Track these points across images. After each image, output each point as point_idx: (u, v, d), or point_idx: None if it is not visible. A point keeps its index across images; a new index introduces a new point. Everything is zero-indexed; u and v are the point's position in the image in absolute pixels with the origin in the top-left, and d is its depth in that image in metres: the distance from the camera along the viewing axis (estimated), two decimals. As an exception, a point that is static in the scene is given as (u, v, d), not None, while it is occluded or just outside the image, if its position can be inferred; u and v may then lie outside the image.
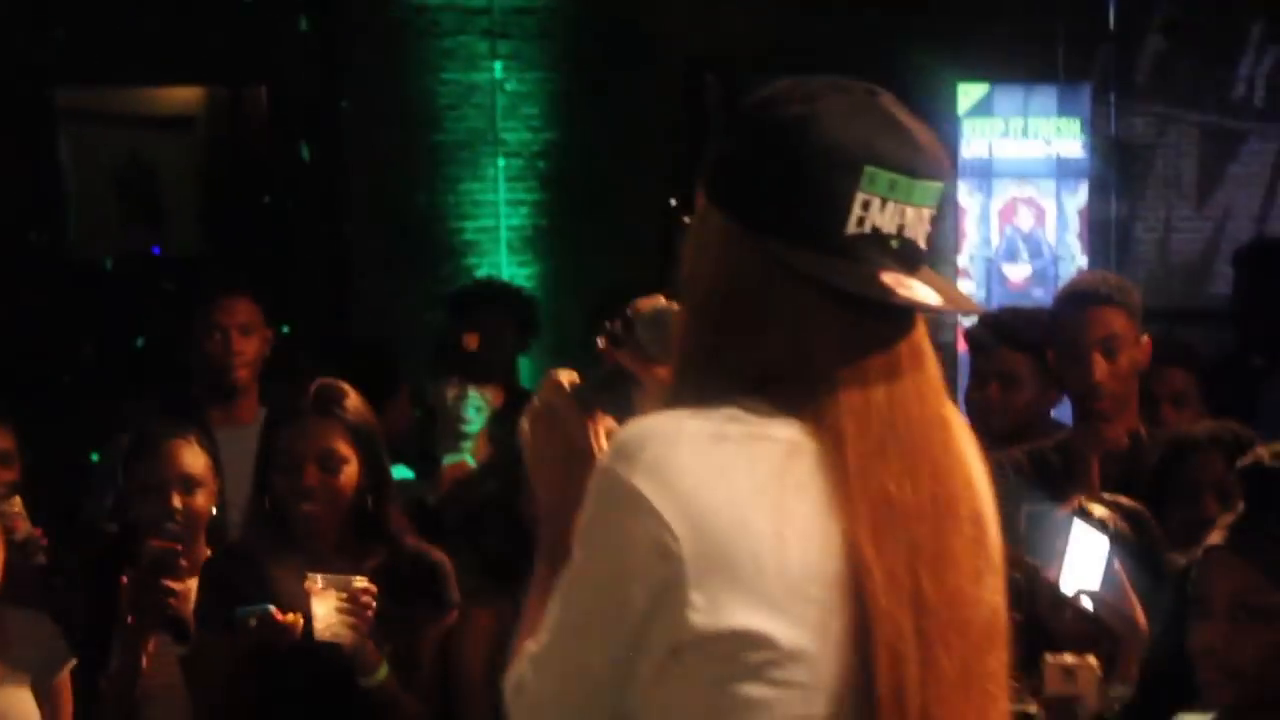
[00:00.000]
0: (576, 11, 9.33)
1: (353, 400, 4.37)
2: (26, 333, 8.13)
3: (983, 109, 9.18)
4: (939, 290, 2.07)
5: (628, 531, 2.00)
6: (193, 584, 4.40)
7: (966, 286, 9.25)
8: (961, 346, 8.65)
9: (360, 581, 4.10)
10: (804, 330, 2.06)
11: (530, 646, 2.13)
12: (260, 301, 5.70)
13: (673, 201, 2.24)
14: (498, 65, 9.22)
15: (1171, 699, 3.23)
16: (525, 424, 2.38)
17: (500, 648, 4.21)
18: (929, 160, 2.08)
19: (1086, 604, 3.78)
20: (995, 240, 9.22)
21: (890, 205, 2.05)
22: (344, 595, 4.07)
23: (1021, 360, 5.25)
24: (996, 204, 9.20)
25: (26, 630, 4.52)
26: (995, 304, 8.52)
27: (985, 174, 9.21)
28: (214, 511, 4.70)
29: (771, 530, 1.98)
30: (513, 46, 9.24)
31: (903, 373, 2.08)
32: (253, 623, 4.08)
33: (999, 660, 2.12)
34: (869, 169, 2.04)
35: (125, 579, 4.33)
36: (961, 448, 2.13)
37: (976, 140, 9.18)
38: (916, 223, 2.07)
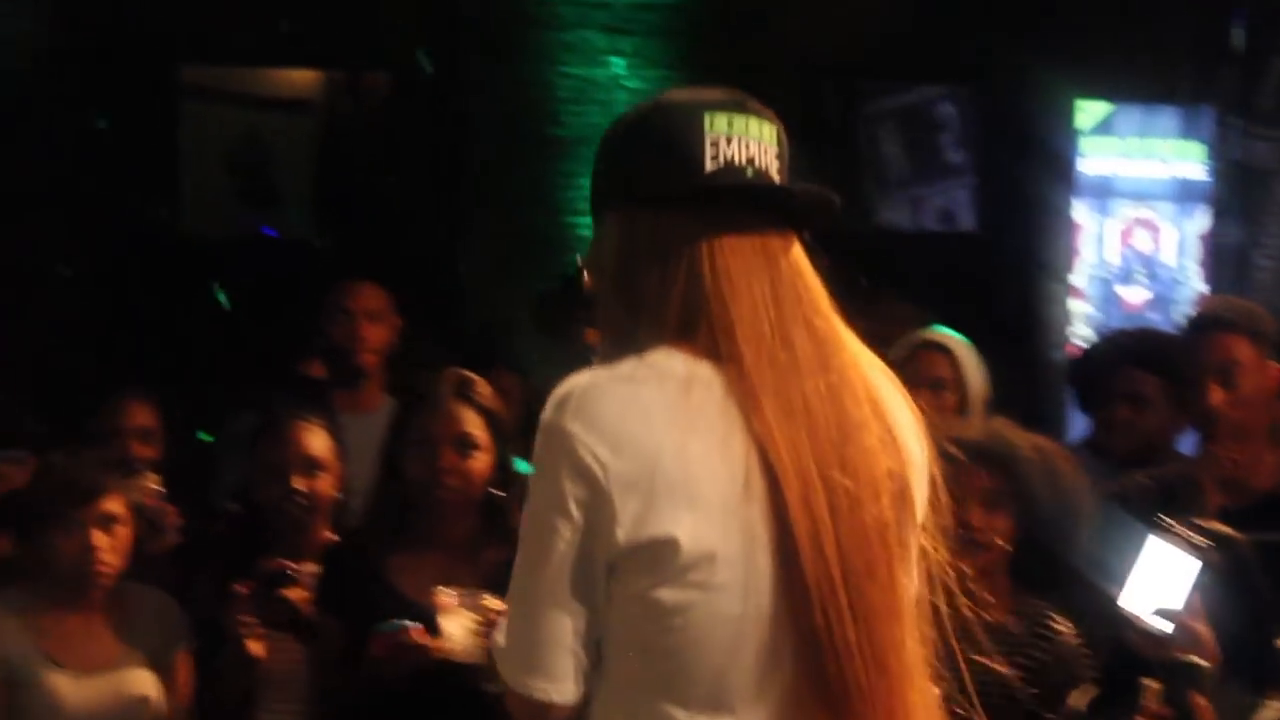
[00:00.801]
0: (700, 10, 9.30)
1: (486, 389, 4.38)
2: (141, 311, 8.19)
3: (1103, 128, 9.11)
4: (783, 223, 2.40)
5: (563, 464, 2.31)
6: (312, 567, 4.41)
7: (1081, 306, 9.18)
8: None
9: (493, 602, 4.04)
10: (693, 260, 2.37)
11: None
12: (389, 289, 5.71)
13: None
14: (618, 61, 9.21)
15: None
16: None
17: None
18: (754, 102, 2.45)
19: (1159, 624, 3.74)
20: (1112, 261, 9.14)
21: (735, 140, 2.41)
22: (478, 618, 4.03)
23: (1151, 382, 5.21)
24: (1115, 225, 9.13)
25: (148, 608, 4.57)
26: (1111, 326, 8.45)
27: (1104, 194, 9.13)
28: (337, 496, 4.71)
29: (678, 450, 2.29)
30: (634, 43, 9.22)
31: (784, 280, 2.39)
32: (397, 637, 4.06)
33: (910, 517, 2.40)
34: (706, 114, 2.41)
35: (241, 588, 4.33)
36: (847, 340, 2.43)
37: (1096, 159, 9.11)
38: (763, 155, 2.43)
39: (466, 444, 4.29)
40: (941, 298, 7.08)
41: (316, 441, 4.67)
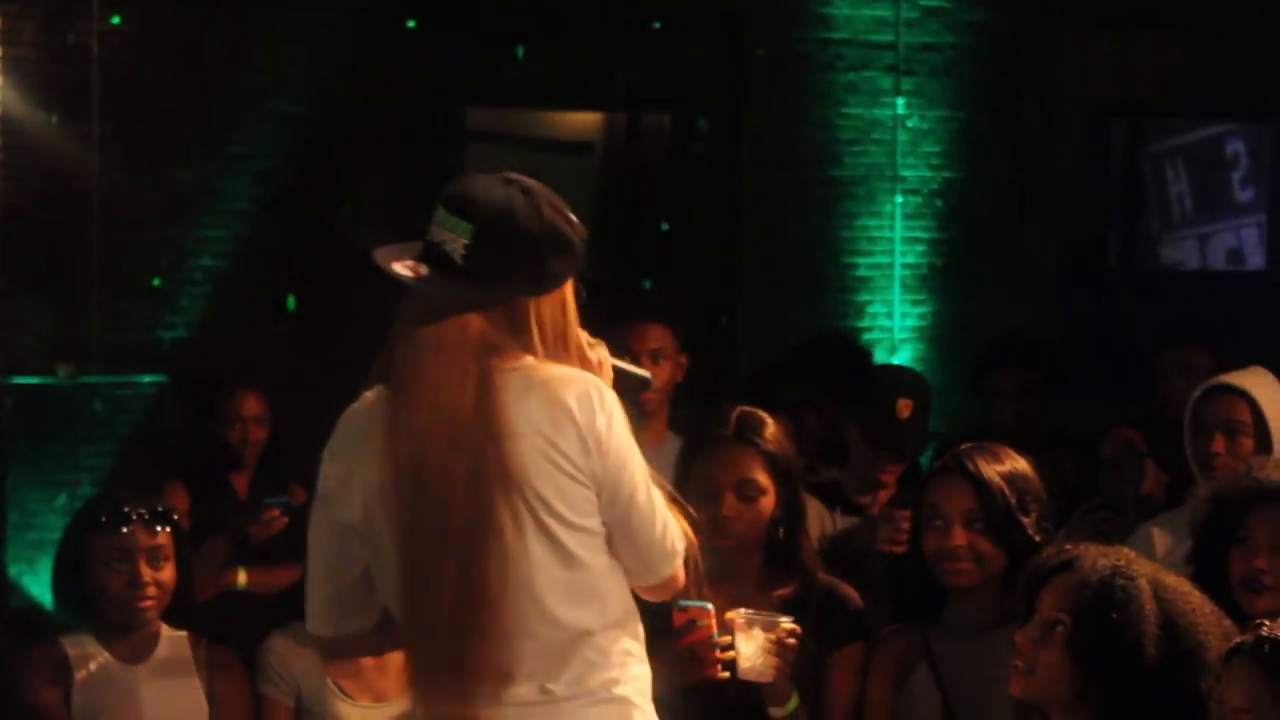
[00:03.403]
0: (984, 50, 9.24)
1: (772, 429, 4.37)
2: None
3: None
4: (442, 289, 3.32)
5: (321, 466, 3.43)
6: None
7: None
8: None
9: (787, 623, 4.08)
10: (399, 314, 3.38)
11: None
12: (674, 329, 5.73)
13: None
14: (900, 101, 9.18)
15: None
16: None
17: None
18: (465, 208, 3.32)
19: None
20: None
21: (438, 227, 3.35)
22: (771, 637, 4.05)
23: None
24: None
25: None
26: None
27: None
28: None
29: (360, 455, 3.34)
30: (916, 83, 9.18)
31: (435, 332, 3.31)
32: (692, 613, 4.11)
33: (501, 489, 3.26)
34: (439, 202, 3.37)
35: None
36: (476, 370, 3.30)
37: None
38: (451, 242, 3.32)
39: (748, 489, 4.30)
40: (1229, 339, 6.93)
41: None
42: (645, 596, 3.48)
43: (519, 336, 3.36)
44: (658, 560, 3.43)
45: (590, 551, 3.34)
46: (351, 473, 3.35)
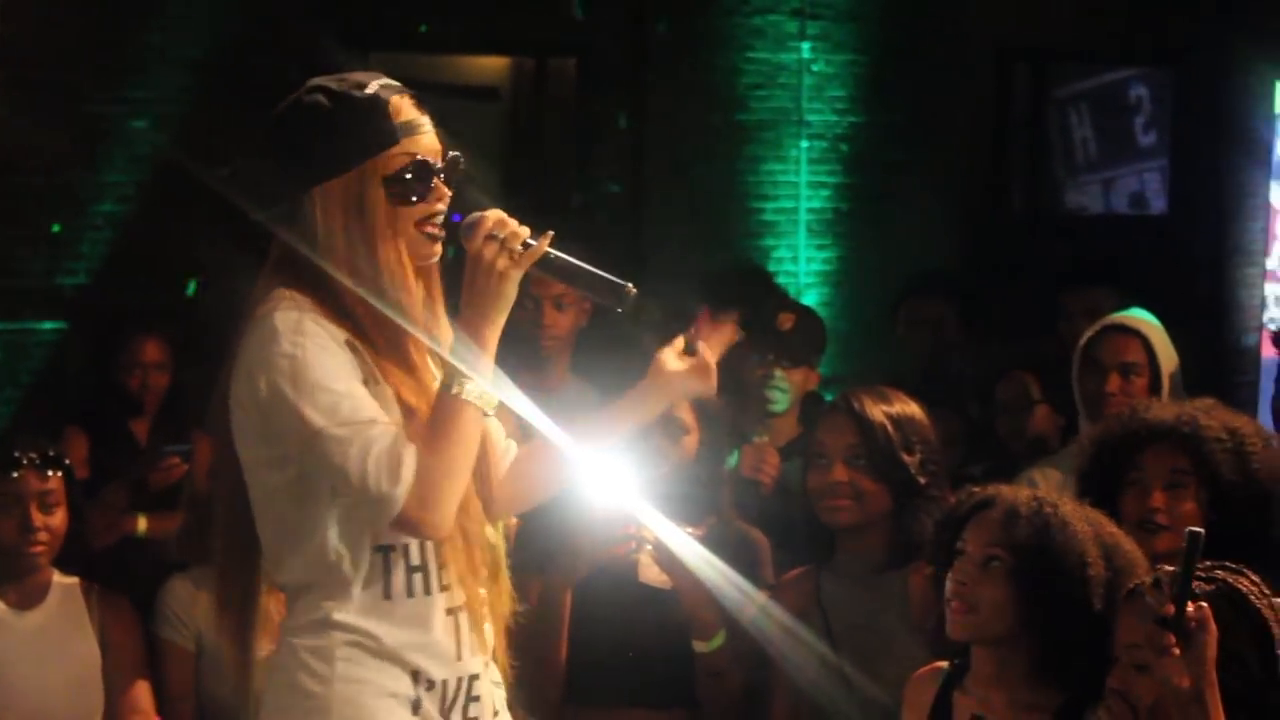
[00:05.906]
0: (890, -7, 9.27)
1: None
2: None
3: (1302, 110, 8.93)
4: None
5: None
6: None
7: (1275, 290, 9.02)
8: (1268, 351, 8.46)
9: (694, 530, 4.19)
10: None
11: None
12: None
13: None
14: (806, 45, 9.17)
15: None
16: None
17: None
18: None
19: None
20: (1308, 244, 8.97)
21: None
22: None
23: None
24: (1310, 206, 8.95)
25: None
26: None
27: (1299, 175, 8.96)
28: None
29: None
30: (822, 27, 9.17)
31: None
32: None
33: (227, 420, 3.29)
34: None
35: None
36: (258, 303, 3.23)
37: (1294, 142, 8.94)
38: None
39: (674, 428, 4.37)
40: (1132, 281, 6.99)
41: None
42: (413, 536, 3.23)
43: (314, 249, 3.20)
44: (362, 503, 3.13)
45: (281, 501, 3.19)
46: None
